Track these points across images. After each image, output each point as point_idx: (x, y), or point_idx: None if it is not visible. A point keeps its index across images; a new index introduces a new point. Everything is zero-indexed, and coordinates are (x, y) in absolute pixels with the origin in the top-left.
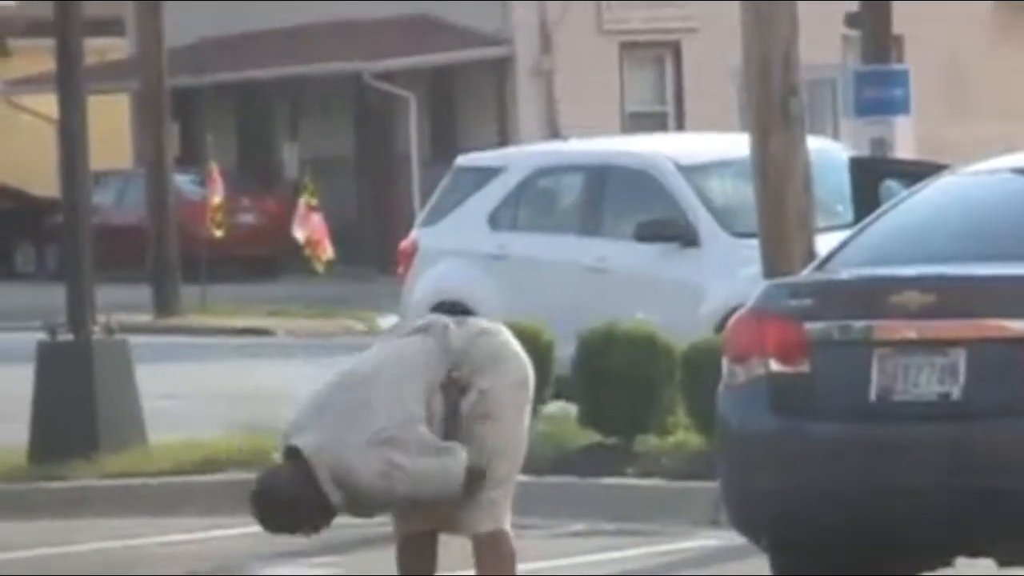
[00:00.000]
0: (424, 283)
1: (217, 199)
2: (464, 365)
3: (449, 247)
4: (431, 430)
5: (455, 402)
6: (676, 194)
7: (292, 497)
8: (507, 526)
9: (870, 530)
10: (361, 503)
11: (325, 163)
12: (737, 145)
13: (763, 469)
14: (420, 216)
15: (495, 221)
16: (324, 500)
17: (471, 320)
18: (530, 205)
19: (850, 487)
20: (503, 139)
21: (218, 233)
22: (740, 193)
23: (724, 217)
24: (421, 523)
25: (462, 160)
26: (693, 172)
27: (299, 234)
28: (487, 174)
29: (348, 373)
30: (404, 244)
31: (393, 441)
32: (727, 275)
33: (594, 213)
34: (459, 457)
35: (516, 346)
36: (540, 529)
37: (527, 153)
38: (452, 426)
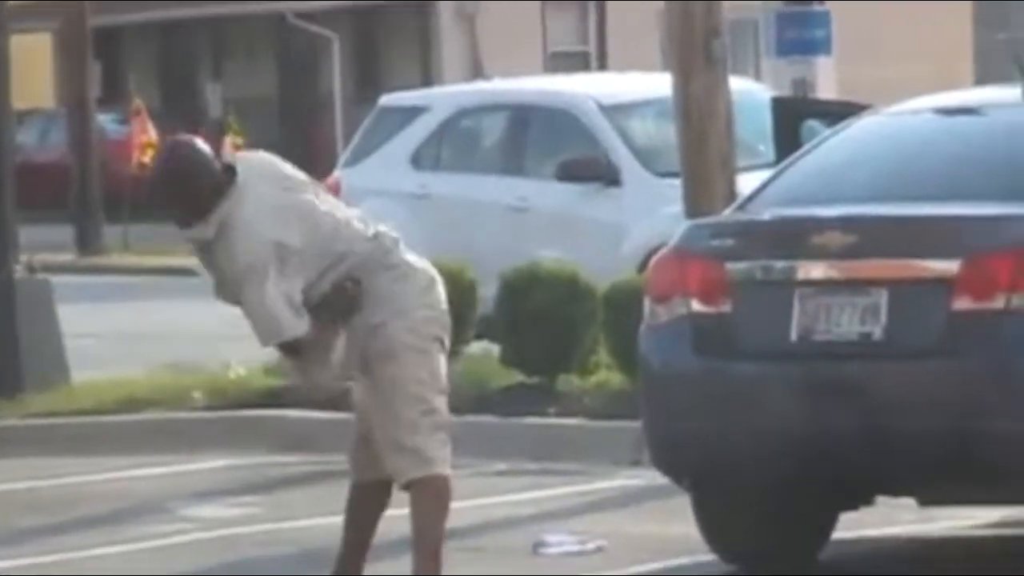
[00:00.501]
0: None
1: (146, 137)
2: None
3: (372, 187)
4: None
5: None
6: (598, 134)
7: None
8: (438, 470)
9: (791, 470)
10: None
11: (249, 103)
12: (659, 85)
13: (685, 409)
14: (343, 156)
15: (418, 161)
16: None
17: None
18: (453, 145)
19: (771, 427)
20: (427, 80)
21: (146, 158)
22: (662, 133)
23: (646, 157)
24: (373, 470)
25: (385, 100)
26: (615, 112)
27: None
28: (410, 114)
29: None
30: (327, 183)
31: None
32: (649, 215)
33: (516, 153)
34: (295, 326)
35: (433, 290)
36: (462, 468)
37: (450, 93)
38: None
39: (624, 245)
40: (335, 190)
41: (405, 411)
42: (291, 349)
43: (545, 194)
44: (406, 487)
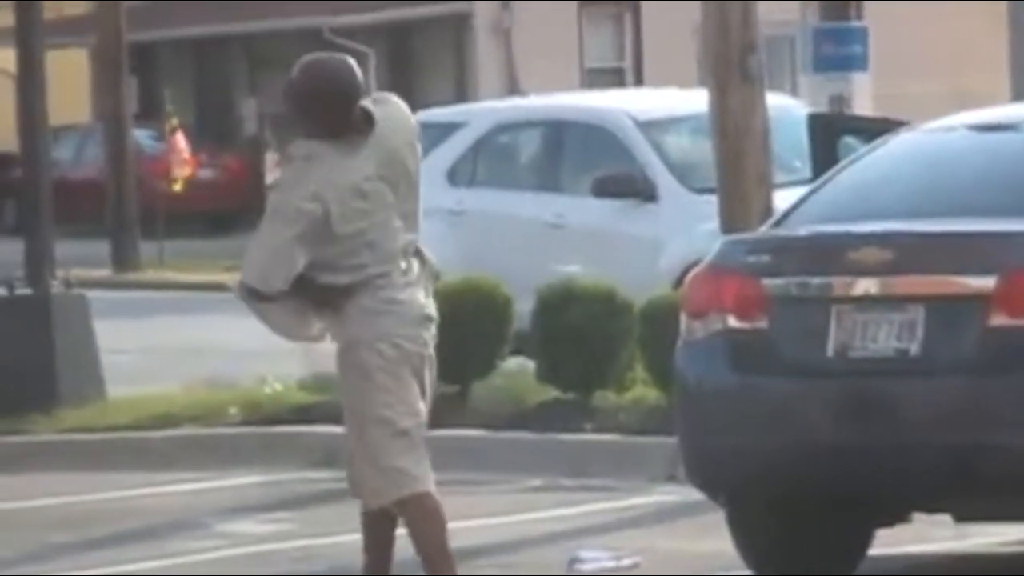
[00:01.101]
0: None
1: (183, 159)
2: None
3: None
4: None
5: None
6: (634, 150)
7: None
8: (422, 488)
9: (827, 486)
10: None
11: (284, 119)
12: (695, 100)
13: (720, 425)
14: None
15: (453, 177)
16: None
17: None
18: (489, 161)
19: (807, 443)
20: (462, 95)
21: (176, 187)
22: (698, 149)
23: (682, 173)
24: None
25: (421, 116)
26: (651, 127)
27: None
28: (446, 130)
29: None
30: None
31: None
32: (685, 231)
33: (553, 169)
34: (273, 287)
35: (424, 327)
36: (498, 484)
37: (486, 109)
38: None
39: (660, 261)
40: None
41: (375, 433)
42: (256, 295)
43: (581, 210)
44: (396, 508)
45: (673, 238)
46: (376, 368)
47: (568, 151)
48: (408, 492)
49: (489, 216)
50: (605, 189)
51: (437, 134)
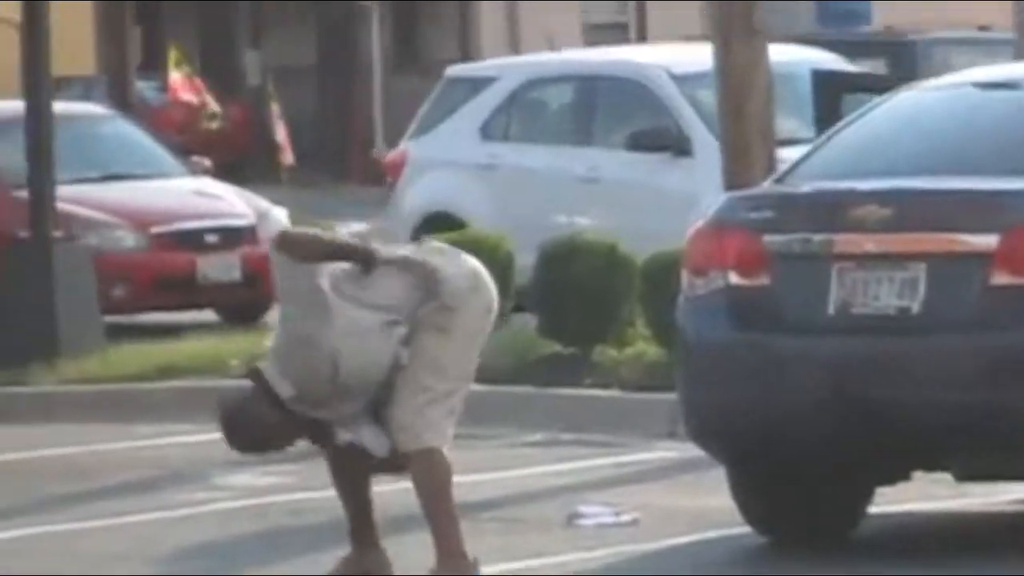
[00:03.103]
0: (414, 194)
1: (198, 99)
2: (436, 293)
3: (439, 158)
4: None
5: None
6: (669, 103)
7: (254, 416)
8: (438, 444)
9: (827, 443)
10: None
11: (287, 71)
12: None
13: (721, 382)
14: (410, 128)
15: (486, 131)
16: (278, 412)
17: (440, 246)
18: (522, 115)
19: (808, 400)
20: (465, 50)
21: (214, 125)
22: None
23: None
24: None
25: (452, 70)
26: (686, 81)
27: (280, 137)
28: (478, 84)
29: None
30: (393, 155)
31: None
32: (720, 184)
33: (586, 123)
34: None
35: (486, 274)
36: (497, 439)
37: (519, 63)
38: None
39: (694, 215)
40: (401, 163)
41: (438, 386)
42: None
43: (615, 164)
44: (405, 458)
45: (707, 192)
46: (479, 330)
47: (602, 105)
48: (420, 446)
49: (522, 171)
50: (640, 143)
51: (469, 89)
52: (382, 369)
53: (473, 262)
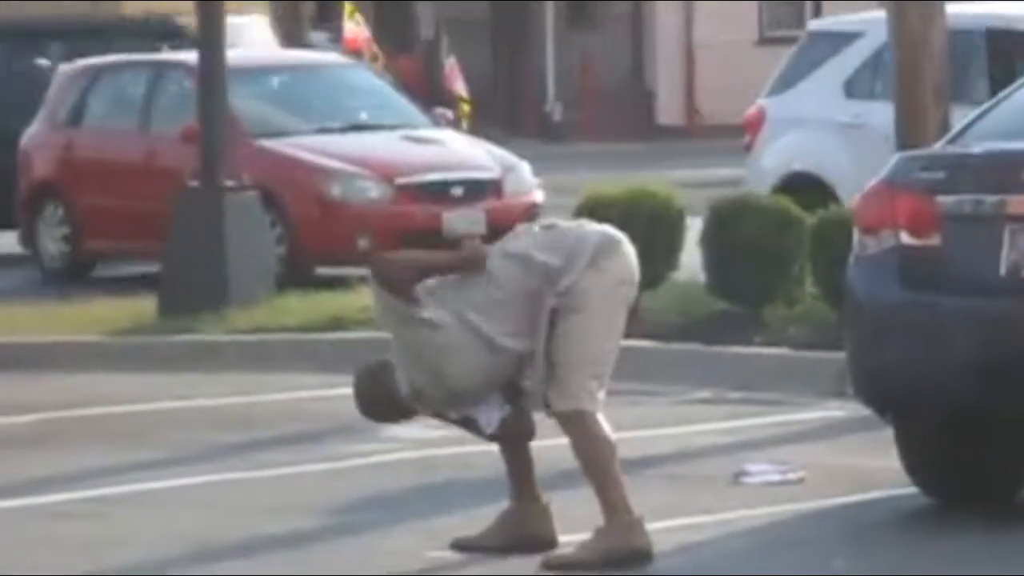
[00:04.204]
0: (773, 153)
1: (368, 51)
2: (567, 269)
3: (800, 116)
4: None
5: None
6: None
7: (382, 395)
8: (591, 407)
9: (996, 405)
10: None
11: (460, 24)
12: None
13: (891, 341)
14: (768, 84)
15: (851, 89)
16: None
17: (575, 224)
18: (889, 73)
19: (977, 361)
20: (636, 11)
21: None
22: None
23: None
24: None
25: (815, 25)
26: None
27: (459, 89)
28: (842, 40)
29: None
30: (751, 113)
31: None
32: None
33: (958, 80)
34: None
35: (624, 244)
36: (665, 396)
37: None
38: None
39: None
40: (759, 120)
41: (604, 354)
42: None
43: None
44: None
45: None
46: (614, 302)
47: (979, 62)
48: (577, 408)
49: (890, 130)
50: None
51: (832, 45)
52: (489, 379)
53: (596, 238)
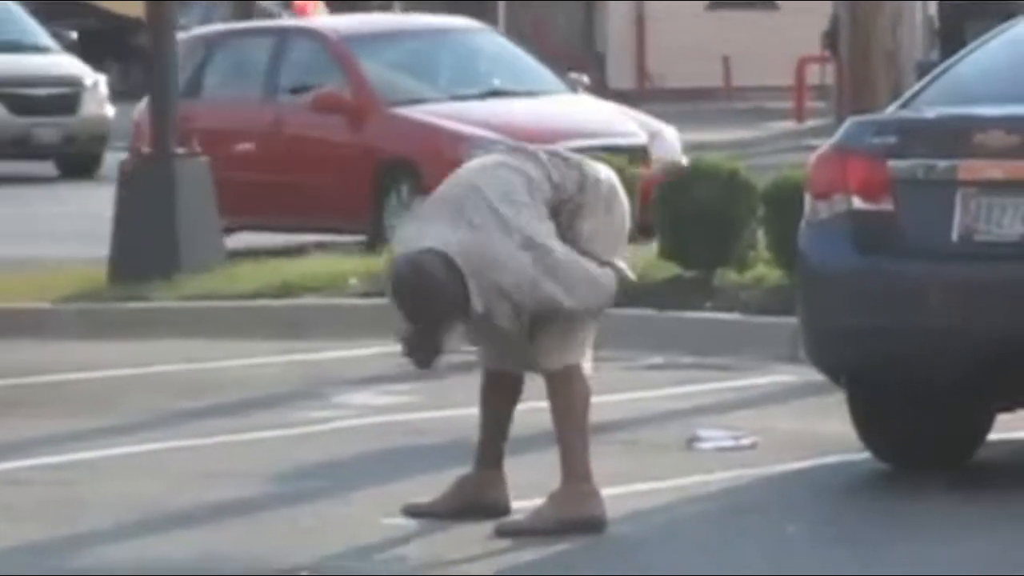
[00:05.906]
0: None
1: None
2: (568, 201)
3: None
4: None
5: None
6: None
7: (443, 282)
8: (581, 362)
9: (948, 369)
10: (496, 313)
11: None
12: None
13: (842, 306)
14: None
15: None
16: (466, 298)
17: (575, 158)
18: None
19: (929, 326)
20: None
21: None
22: None
23: None
24: (500, 362)
25: None
26: None
27: None
28: None
29: (452, 186)
30: None
31: (542, 248)
32: None
33: None
34: (610, 275)
35: (622, 191)
36: (618, 361)
37: None
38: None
39: None
40: None
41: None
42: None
43: None
44: (555, 375)
45: None
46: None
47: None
48: (569, 363)
49: None
50: None
51: None
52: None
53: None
